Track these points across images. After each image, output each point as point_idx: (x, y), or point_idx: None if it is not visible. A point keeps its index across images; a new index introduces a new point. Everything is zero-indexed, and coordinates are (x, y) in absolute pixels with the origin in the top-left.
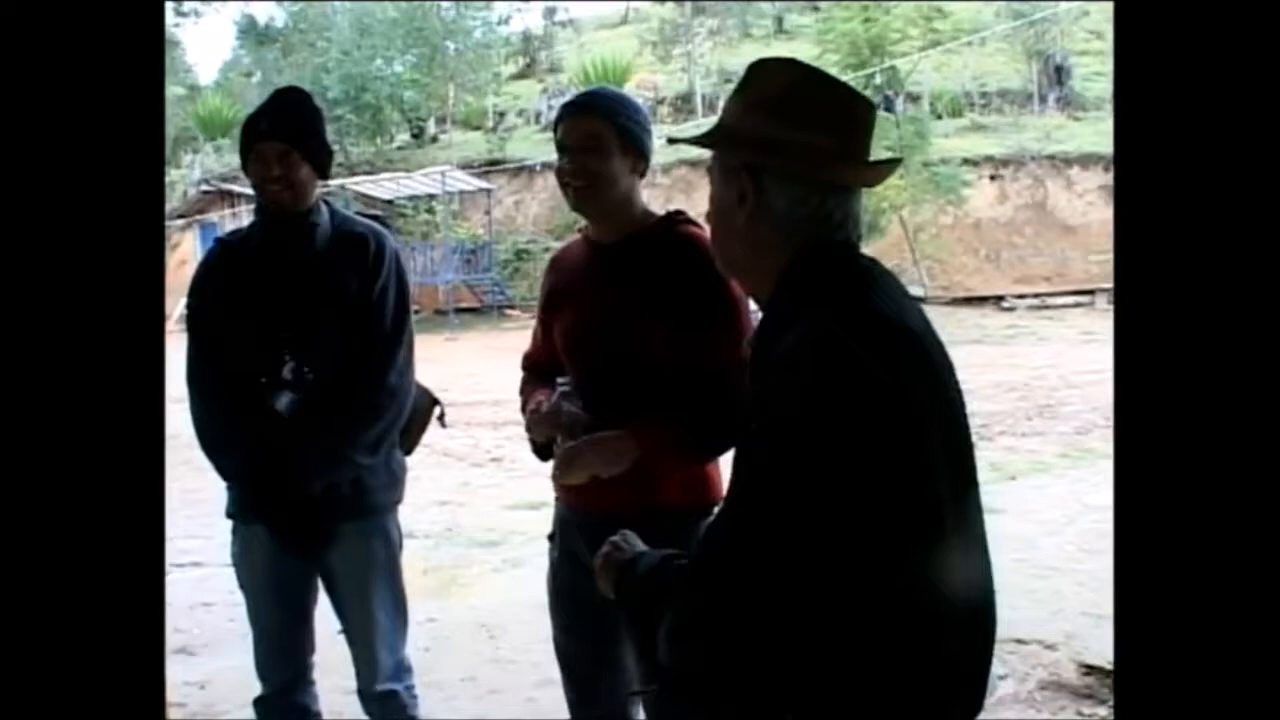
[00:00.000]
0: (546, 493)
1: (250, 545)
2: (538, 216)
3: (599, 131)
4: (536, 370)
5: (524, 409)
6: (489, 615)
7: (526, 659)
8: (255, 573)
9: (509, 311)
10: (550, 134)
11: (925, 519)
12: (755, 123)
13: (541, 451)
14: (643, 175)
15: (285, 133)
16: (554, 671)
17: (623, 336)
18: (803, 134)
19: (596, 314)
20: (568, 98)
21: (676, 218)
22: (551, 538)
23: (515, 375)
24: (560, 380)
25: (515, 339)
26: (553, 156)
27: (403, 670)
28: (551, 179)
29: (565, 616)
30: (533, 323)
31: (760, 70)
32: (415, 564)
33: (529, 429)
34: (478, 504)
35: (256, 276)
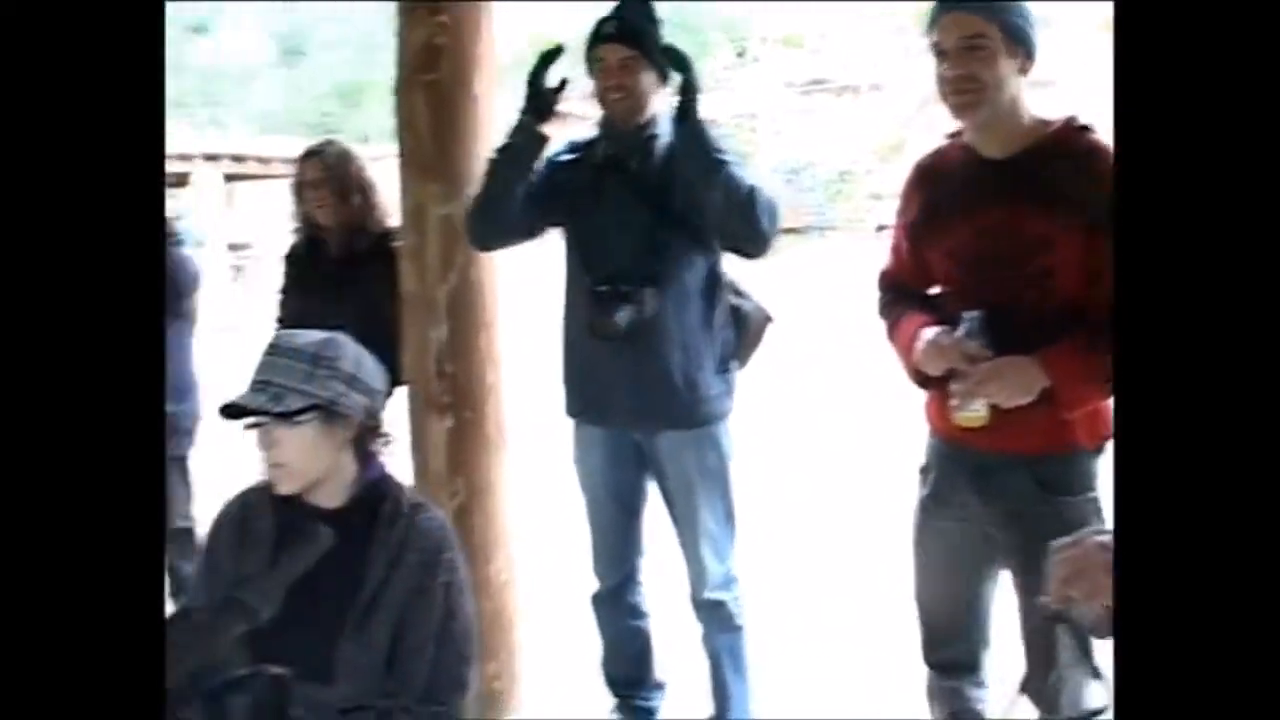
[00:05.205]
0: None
1: (587, 447)
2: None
3: (981, 29)
4: (901, 290)
5: (891, 333)
6: (823, 529)
7: (852, 572)
8: (591, 474)
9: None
10: None
11: None
12: None
13: (925, 381)
14: (1026, 75)
15: (629, 37)
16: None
17: (1031, 263)
18: None
19: (997, 238)
20: None
21: (1076, 124)
22: (924, 471)
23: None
24: (967, 314)
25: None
26: None
27: (731, 580)
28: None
29: (928, 560)
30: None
31: None
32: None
33: (921, 361)
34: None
35: (593, 188)
